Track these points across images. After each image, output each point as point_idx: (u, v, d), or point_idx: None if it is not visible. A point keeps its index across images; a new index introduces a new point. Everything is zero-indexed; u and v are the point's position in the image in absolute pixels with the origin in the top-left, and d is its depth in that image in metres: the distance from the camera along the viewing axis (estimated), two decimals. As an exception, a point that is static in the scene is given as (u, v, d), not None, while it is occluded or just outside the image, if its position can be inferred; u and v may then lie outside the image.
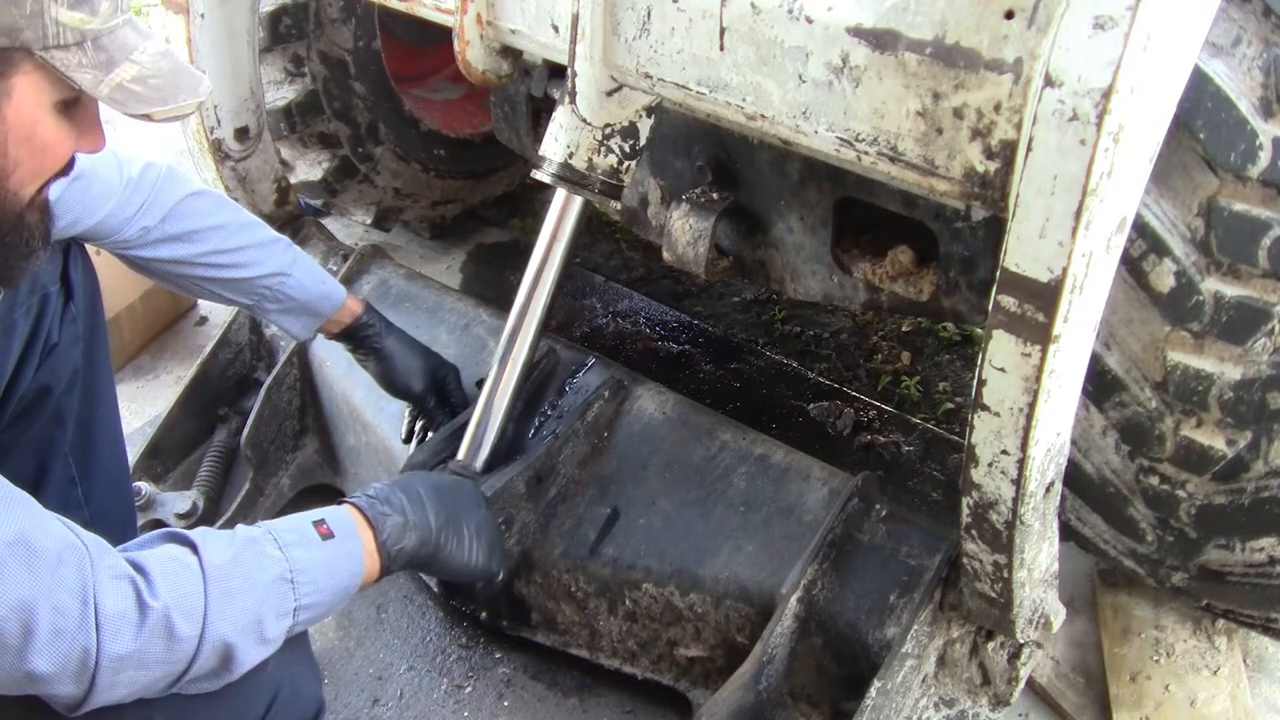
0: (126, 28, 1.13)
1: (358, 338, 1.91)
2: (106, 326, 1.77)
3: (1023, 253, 1.08)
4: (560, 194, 1.71)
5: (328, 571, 1.30)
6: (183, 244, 1.69)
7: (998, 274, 1.12)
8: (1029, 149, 1.04)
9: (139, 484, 2.03)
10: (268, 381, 2.15)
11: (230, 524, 1.70)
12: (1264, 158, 1.25)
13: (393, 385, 1.93)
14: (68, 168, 1.21)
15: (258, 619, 1.21)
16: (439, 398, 1.95)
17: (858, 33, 1.18)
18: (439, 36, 1.79)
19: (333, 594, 1.31)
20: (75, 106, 1.15)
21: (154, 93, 1.14)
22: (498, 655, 1.96)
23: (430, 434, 1.94)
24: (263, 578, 1.22)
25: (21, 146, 1.11)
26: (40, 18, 1.04)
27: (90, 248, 1.70)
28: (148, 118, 1.15)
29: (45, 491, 1.62)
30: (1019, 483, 1.24)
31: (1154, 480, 1.49)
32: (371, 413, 2.06)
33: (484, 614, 1.94)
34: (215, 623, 1.16)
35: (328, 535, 1.31)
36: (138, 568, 1.13)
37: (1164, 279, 1.34)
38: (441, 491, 1.51)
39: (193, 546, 1.19)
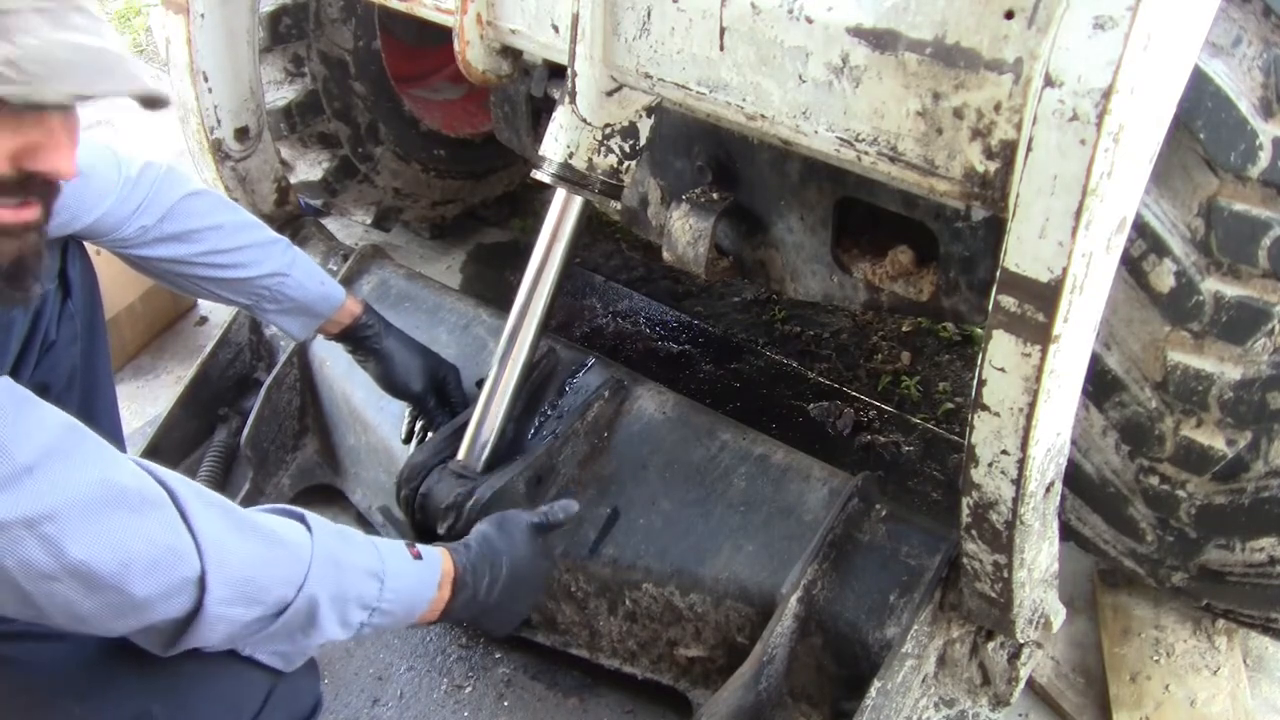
0: (38, 16, 1.02)
1: (357, 338, 1.91)
2: (106, 325, 1.76)
3: (1023, 253, 1.08)
4: (560, 194, 1.71)
5: (409, 589, 1.34)
6: (181, 244, 1.69)
7: (998, 274, 1.12)
8: (1029, 149, 1.04)
9: (139, 484, 2.03)
10: (268, 381, 2.14)
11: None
12: (1264, 158, 1.25)
13: (392, 386, 1.93)
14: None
15: (345, 598, 1.25)
16: (439, 398, 1.95)
17: (858, 33, 1.18)
18: (439, 36, 1.79)
19: (404, 612, 1.35)
20: (26, 120, 1.05)
21: (20, 76, 1.00)
22: (498, 655, 1.96)
23: (430, 434, 1.94)
24: (359, 563, 1.28)
25: None
26: None
27: (91, 247, 1.70)
28: None
29: None
30: (1019, 483, 1.24)
31: (1154, 480, 1.49)
32: (371, 413, 2.06)
33: (484, 614, 1.94)
34: (314, 579, 1.20)
35: (417, 557, 1.37)
36: (244, 514, 1.19)
37: (1164, 279, 1.34)
38: (517, 578, 1.52)
39: (301, 517, 1.26)
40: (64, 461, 1.04)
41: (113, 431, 1.81)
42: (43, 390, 1.59)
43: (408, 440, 1.99)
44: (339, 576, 1.24)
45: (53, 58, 1.02)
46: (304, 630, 1.24)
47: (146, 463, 1.14)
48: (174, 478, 1.15)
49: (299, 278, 1.80)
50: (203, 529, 1.12)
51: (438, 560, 1.41)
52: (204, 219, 1.70)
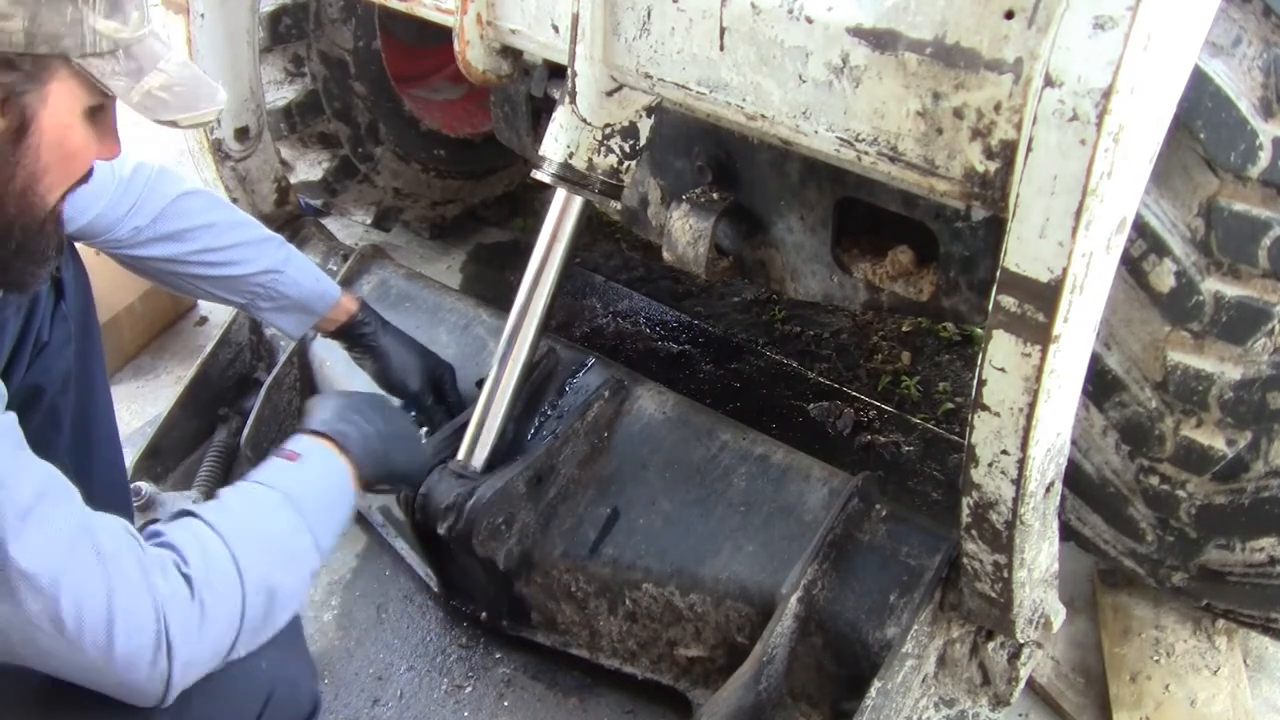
0: (151, 39, 1.19)
1: (354, 335, 1.90)
2: (99, 327, 1.76)
3: (1023, 253, 1.08)
4: (560, 194, 1.71)
5: (316, 485, 1.37)
6: (175, 243, 1.69)
7: (998, 274, 1.12)
8: (1029, 149, 1.04)
9: (139, 484, 2.03)
10: (268, 381, 2.15)
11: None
12: (1264, 158, 1.25)
13: (389, 383, 1.93)
14: (87, 175, 1.24)
15: (278, 544, 1.27)
16: (436, 396, 1.95)
17: (858, 33, 1.18)
18: (439, 36, 1.79)
19: (333, 503, 1.38)
20: (98, 114, 1.19)
21: (178, 100, 1.19)
22: (498, 655, 1.96)
23: (425, 432, 1.94)
24: (264, 509, 1.29)
25: (53, 152, 1.15)
26: (80, 25, 1.09)
27: (86, 249, 1.69)
28: (174, 124, 1.20)
29: None
30: (1019, 483, 1.24)
31: (1154, 480, 1.49)
32: (371, 413, 2.06)
33: (484, 614, 1.94)
34: (245, 563, 1.21)
35: (295, 458, 1.38)
36: (168, 545, 1.18)
37: (1164, 279, 1.34)
38: (374, 403, 1.58)
39: (192, 514, 1.25)
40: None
41: (110, 434, 1.81)
42: (37, 392, 1.59)
43: None
44: (257, 539, 1.24)
45: (184, 78, 1.21)
46: (270, 608, 1.24)
47: (114, 519, 1.16)
48: (136, 534, 1.16)
49: (293, 275, 1.80)
50: (158, 584, 1.13)
51: (311, 443, 1.41)
52: (197, 218, 1.71)
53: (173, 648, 1.12)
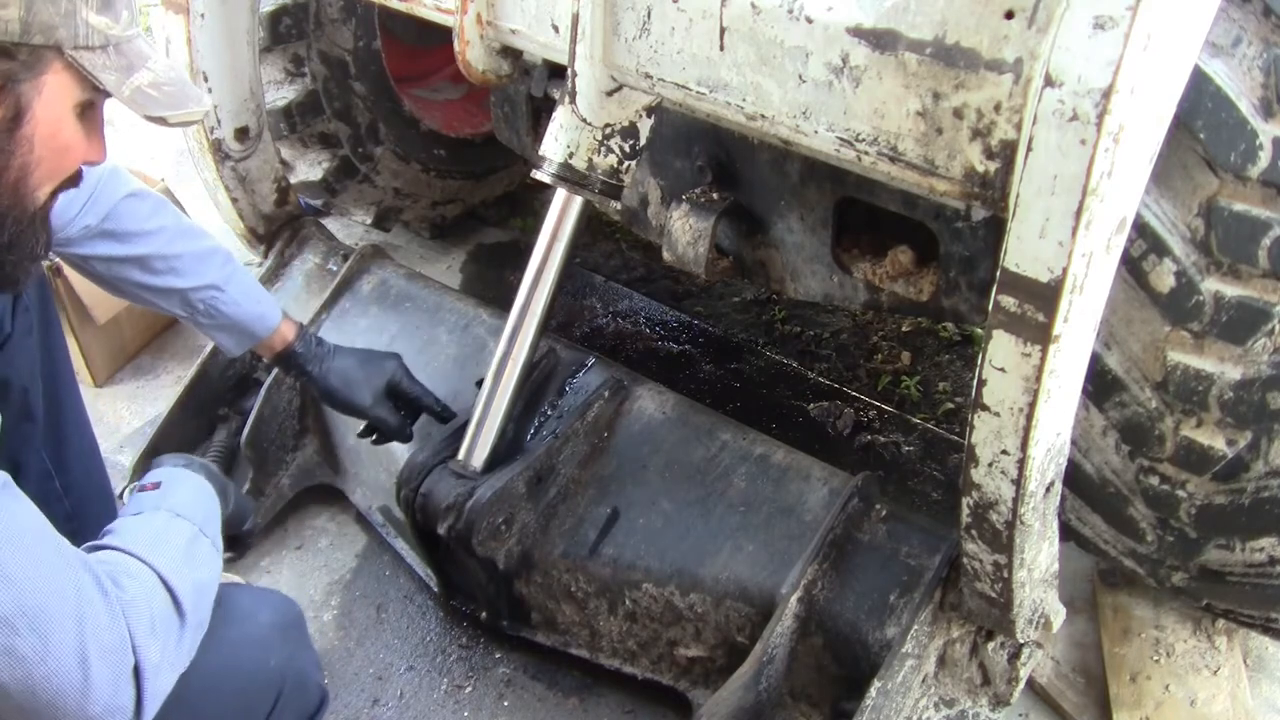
0: (139, 39, 1.21)
1: (292, 365, 1.88)
2: (59, 317, 1.76)
3: (1023, 253, 1.08)
4: (560, 194, 1.71)
5: (185, 496, 1.38)
6: (119, 243, 1.68)
7: (998, 274, 1.12)
8: (1029, 149, 1.04)
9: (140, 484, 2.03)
10: (268, 381, 2.14)
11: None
12: (1264, 158, 1.25)
13: (339, 406, 1.90)
14: (76, 177, 1.25)
15: (185, 550, 1.28)
16: (394, 399, 1.91)
17: (858, 33, 1.18)
18: (439, 36, 1.79)
19: (207, 507, 1.39)
20: (88, 113, 1.21)
21: (167, 98, 1.22)
22: (498, 655, 1.96)
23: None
24: (156, 526, 1.30)
25: (46, 145, 1.17)
26: (73, 18, 1.11)
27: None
28: (162, 121, 1.22)
29: (23, 487, 1.61)
30: (1019, 483, 1.24)
31: (1154, 480, 1.49)
32: (371, 413, 2.06)
33: (484, 614, 1.94)
34: (164, 571, 1.22)
35: (156, 486, 1.38)
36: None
37: (1164, 279, 1.34)
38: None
39: (100, 546, 1.25)
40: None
41: (81, 422, 1.80)
42: (6, 385, 1.59)
43: (364, 435, 1.97)
44: (165, 547, 1.26)
45: (172, 78, 1.24)
46: (198, 600, 1.25)
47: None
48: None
49: (234, 294, 1.78)
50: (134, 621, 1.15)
51: (163, 471, 1.43)
52: (145, 222, 1.70)
53: (139, 650, 1.12)
